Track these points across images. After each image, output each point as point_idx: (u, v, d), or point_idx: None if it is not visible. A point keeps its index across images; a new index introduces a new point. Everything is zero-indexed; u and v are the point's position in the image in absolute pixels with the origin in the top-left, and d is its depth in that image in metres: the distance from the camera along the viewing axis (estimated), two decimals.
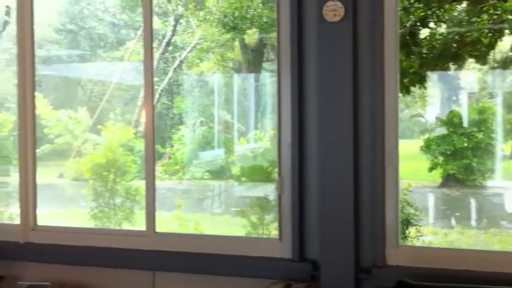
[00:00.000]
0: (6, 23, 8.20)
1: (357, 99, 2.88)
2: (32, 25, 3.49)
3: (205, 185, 7.78)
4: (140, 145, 7.54)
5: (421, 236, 5.96)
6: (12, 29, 8.21)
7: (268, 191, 6.09)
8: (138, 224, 6.10)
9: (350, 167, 2.85)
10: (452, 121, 7.19)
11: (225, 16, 7.23)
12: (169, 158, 7.92)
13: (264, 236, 5.52)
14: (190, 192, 7.87)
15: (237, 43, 7.65)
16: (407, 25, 5.90)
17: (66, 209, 6.99)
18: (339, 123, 2.87)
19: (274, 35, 7.29)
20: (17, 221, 5.66)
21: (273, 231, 5.47)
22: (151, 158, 3.35)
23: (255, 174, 6.62)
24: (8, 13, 8.01)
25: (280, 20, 3.03)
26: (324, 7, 2.81)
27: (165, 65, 8.25)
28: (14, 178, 6.36)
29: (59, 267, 3.38)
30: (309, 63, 2.97)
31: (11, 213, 6.13)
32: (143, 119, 8.09)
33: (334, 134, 2.88)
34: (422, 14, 6.01)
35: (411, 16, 5.94)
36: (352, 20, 2.83)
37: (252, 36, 7.49)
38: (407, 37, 5.83)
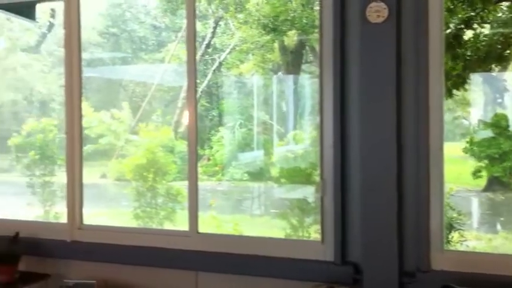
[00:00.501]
0: (51, 26, 8.43)
1: (401, 101, 2.85)
2: (79, 29, 3.58)
3: (244, 186, 7.80)
4: (180, 146, 7.63)
5: (465, 240, 5.83)
6: (56, 31, 8.47)
7: (308, 193, 6.06)
8: (180, 224, 6.17)
9: (393, 170, 2.83)
10: (498, 123, 7.01)
11: (265, 18, 7.25)
12: (208, 159, 7.98)
13: (304, 238, 5.50)
14: (229, 194, 7.91)
15: (276, 45, 7.65)
16: (451, 27, 5.80)
17: (108, 208, 7.12)
18: (382, 125, 2.85)
19: (314, 36, 7.30)
20: (62, 219, 5.82)
21: (313, 234, 5.44)
22: (194, 159, 3.38)
23: (295, 176, 6.60)
24: (53, 16, 8.25)
25: (322, 21, 3.03)
26: (367, 8, 2.79)
27: (204, 67, 8.32)
28: (58, 178, 6.54)
29: (104, 266, 3.45)
30: (352, 64, 2.96)
31: (56, 212, 6.31)
32: (183, 120, 8.22)
33: (377, 136, 2.86)
34: (466, 15, 5.89)
35: (455, 17, 5.84)
36: (395, 21, 2.81)
37: (291, 37, 7.47)
38: (451, 39, 5.73)
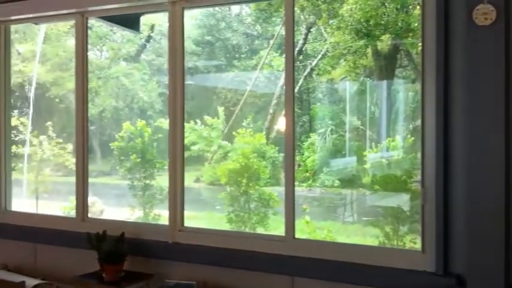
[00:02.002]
0: (149, 38, 8.88)
1: (509, 107, 2.72)
2: (182, 39, 3.72)
3: (335, 193, 7.74)
4: (271, 151, 7.71)
5: None
6: (154, 43, 8.89)
7: (402, 201, 5.91)
8: (272, 228, 6.22)
9: (501, 178, 2.69)
10: None
11: (358, 23, 7.18)
12: (299, 165, 7.99)
13: (399, 247, 5.36)
14: (321, 200, 7.88)
15: (369, 50, 7.54)
16: None
17: (201, 211, 7.30)
18: (489, 131, 2.73)
19: (408, 40, 7.11)
20: (161, 221, 6.06)
21: (408, 243, 5.30)
22: (291, 166, 3.41)
23: (388, 183, 6.45)
24: (152, 28, 8.69)
25: (425, 24, 2.96)
26: (474, 11, 2.69)
27: (295, 73, 8.36)
28: (157, 181, 6.81)
29: (203, 268, 3.55)
30: (456, 69, 2.87)
31: (155, 214, 6.57)
32: (275, 126, 8.28)
33: (484, 143, 2.73)
34: None
35: None
36: (504, 23, 2.68)
37: (385, 42, 7.34)
38: None
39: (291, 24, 3.40)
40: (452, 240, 2.90)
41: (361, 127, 7.81)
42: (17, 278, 3.91)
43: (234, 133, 7.39)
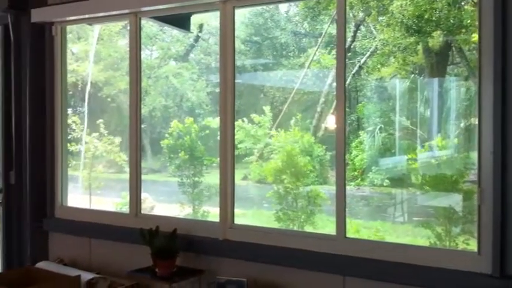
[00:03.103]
0: (198, 37, 8.99)
1: None
2: (233, 38, 3.75)
3: (385, 192, 7.63)
4: (318, 150, 7.66)
5: None
6: (202, 42, 8.97)
7: (454, 201, 5.78)
8: (320, 227, 6.20)
9: None
10: None
11: (409, 19, 7.04)
12: (347, 164, 7.89)
13: (454, 248, 5.25)
14: (369, 199, 7.79)
15: (420, 47, 7.40)
16: None
17: (250, 209, 7.34)
18: None
19: (461, 37, 6.93)
20: (209, 218, 6.12)
21: (460, 244, 5.17)
22: (342, 163, 3.38)
23: (439, 183, 6.31)
24: (200, 28, 8.78)
25: (481, 20, 2.89)
26: None
27: None
28: (205, 178, 6.88)
29: (253, 265, 3.57)
30: None
31: (204, 211, 6.64)
32: (322, 125, 8.21)
33: None
34: None
35: None
36: None
37: (436, 39, 7.18)
38: None
39: (342, 21, 3.39)
40: (510, 241, 2.82)
41: (410, 127, 7.66)
42: (72, 271, 4.03)
43: (280, 132, 7.38)
